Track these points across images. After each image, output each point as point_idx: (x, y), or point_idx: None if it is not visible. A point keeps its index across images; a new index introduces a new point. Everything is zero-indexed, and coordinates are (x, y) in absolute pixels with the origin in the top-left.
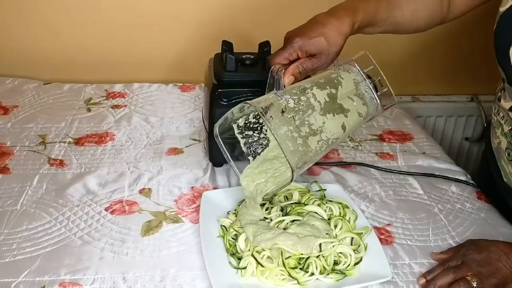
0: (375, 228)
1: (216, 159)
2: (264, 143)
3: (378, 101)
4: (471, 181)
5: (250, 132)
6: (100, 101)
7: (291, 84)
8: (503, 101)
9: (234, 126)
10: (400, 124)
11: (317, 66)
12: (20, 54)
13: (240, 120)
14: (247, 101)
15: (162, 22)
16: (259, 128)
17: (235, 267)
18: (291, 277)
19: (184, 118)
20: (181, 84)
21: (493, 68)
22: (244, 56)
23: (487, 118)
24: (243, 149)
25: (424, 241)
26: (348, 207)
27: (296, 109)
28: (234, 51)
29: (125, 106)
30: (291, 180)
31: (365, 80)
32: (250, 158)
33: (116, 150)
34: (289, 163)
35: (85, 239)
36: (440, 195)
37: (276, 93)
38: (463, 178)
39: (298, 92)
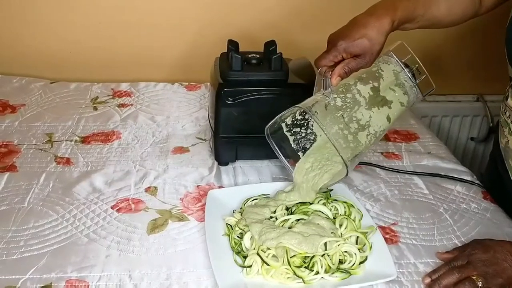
0: (380, 227)
1: (221, 158)
2: (312, 138)
3: (418, 88)
4: (477, 181)
5: (298, 129)
6: (106, 100)
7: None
8: (510, 100)
9: (283, 125)
10: (406, 124)
11: (361, 65)
12: (27, 53)
13: (288, 118)
14: (297, 105)
15: (168, 21)
16: (305, 124)
17: (240, 266)
18: (296, 275)
19: (189, 117)
20: (187, 83)
21: (499, 68)
22: (249, 56)
23: (492, 118)
24: (292, 146)
25: (429, 241)
26: (354, 206)
27: (344, 107)
28: (239, 50)
29: (131, 105)
30: (346, 175)
31: (404, 70)
32: (300, 153)
33: (122, 148)
34: (343, 159)
35: (92, 237)
36: (445, 195)
37: (324, 93)
38: (468, 178)
39: (343, 90)
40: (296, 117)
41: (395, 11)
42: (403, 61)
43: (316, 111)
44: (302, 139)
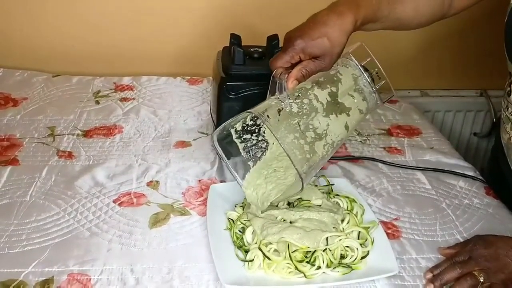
0: (382, 222)
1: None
2: (264, 146)
3: (377, 95)
4: (480, 177)
5: (248, 136)
6: (108, 93)
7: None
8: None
9: (232, 131)
10: (408, 119)
11: (320, 68)
12: (29, 47)
13: (238, 124)
14: (249, 110)
15: (170, 15)
16: (257, 130)
17: (242, 260)
18: (298, 270)
19: (192, 111)
20: (189, 77)
21: (503, 63)
22: (252, 50)
23: (496, 113)
24: (242, 154)
25: (431, 236)
26: (356, 201)
27: (300, 113)
28: (242, 44)
29: (133, 99)
30: (302, 189)
31: (363, 74)
32: (250, 163)
33: (124, 142)
34: (298, 172)
35: (93, 231)
36: (448, 190)
37: (278, 98)
38: (471, 173)
39: (300, 94)
40: (247, 123)
41: (358, 9)
42: (362, 64)
43: (269, 117)
44: (253, 147)
